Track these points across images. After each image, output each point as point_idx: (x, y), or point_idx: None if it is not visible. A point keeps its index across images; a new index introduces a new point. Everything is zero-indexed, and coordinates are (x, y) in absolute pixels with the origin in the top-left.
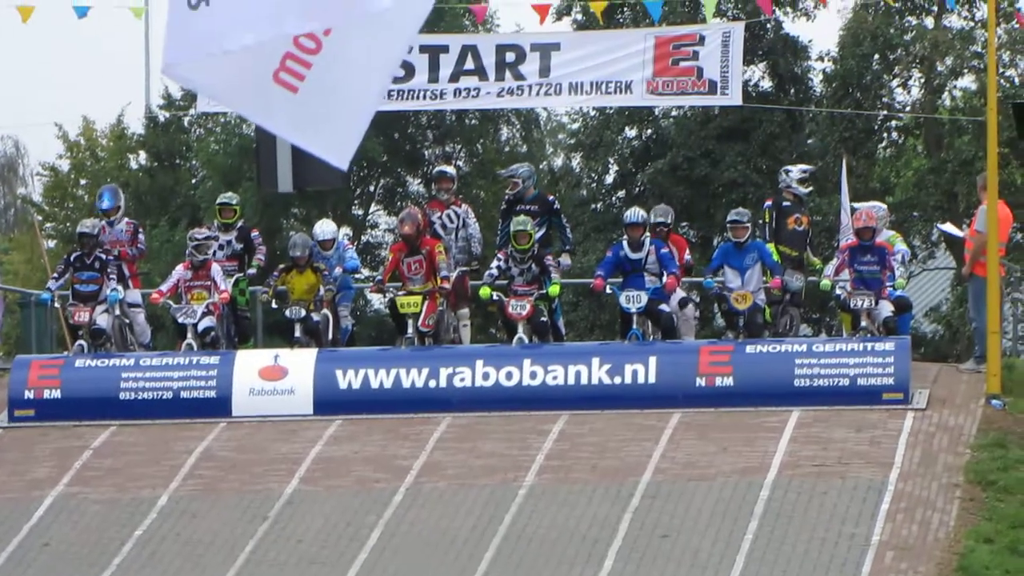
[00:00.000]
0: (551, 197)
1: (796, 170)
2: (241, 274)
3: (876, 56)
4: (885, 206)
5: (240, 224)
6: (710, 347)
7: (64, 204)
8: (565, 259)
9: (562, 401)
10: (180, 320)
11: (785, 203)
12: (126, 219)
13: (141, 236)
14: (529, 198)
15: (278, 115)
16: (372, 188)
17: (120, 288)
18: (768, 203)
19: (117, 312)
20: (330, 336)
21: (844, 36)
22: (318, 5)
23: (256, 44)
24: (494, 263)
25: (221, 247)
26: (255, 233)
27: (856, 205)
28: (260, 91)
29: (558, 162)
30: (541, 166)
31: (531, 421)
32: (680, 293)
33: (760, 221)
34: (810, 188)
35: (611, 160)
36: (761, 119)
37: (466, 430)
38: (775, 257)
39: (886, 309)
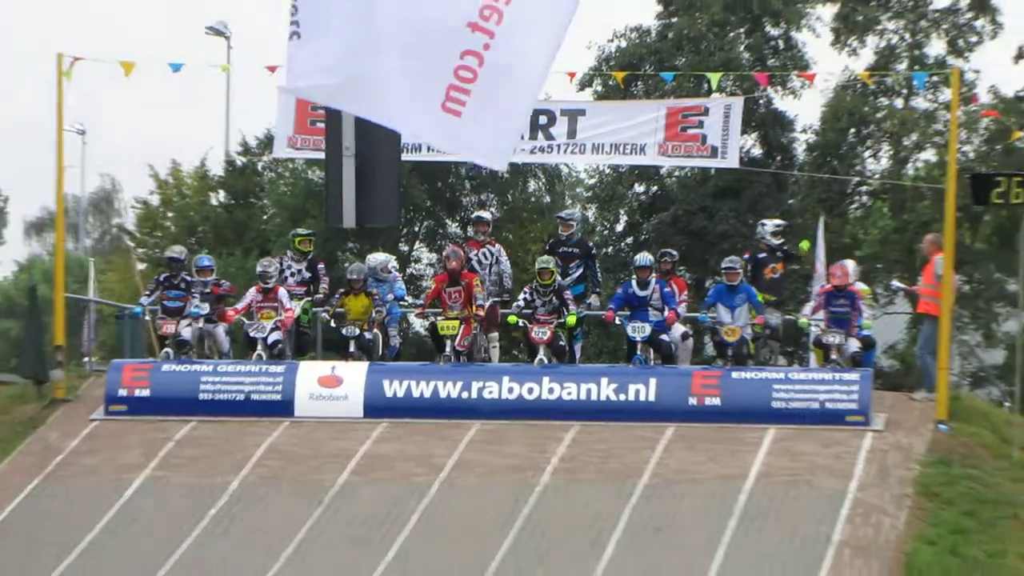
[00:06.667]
0: (590, 243)
1: (771, 224)
2: (308, 298)
3: (852, 130)
4: (854, 263)
5: (311, 256)
6: (702, 372)
7: (153, 233)
8: (594, 299)
9: (574, 413)
10: (251, 334)
11: (761, 255)
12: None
13: (226, 284)
14: (575, 240)
15: (444, 136)
16: (416, 228)
17: (204, 305)
18: (746, 256)
19: (200, 325)
20: (380, 352)
21: (825, 112)
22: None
23: (421, 74)
24: (521, 295)
25: (293, 274)
26: (321, 265)
27: (838, 261)
28: (425, 116)
29: (576, 212)
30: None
31: (548, 429)
32: (681, 328)
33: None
34: (782, 240)
35: (621, 211)
36: (751, 180)
37: (492, 435)
38: (760, 299)
39: (854, 345)
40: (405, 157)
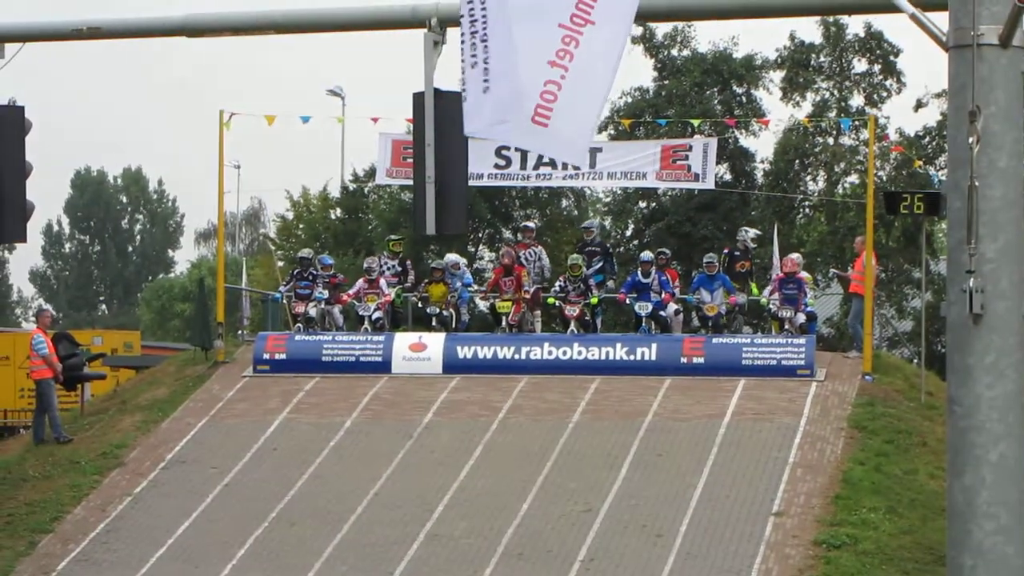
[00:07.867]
0: (607, 244)
1: (752, 232)
2: (400, 286)
3: (796, 161)
4: (800, 257)
5: (402, 255)
6: (690, 338)
7: (289, 239)
8: (611, 284)
9: (597, 369)
10: (360, 313)
11: (736, 252)
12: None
13: (341, 276)
14: (596, 242)
15: (532, 140)
16: (480, 234)
17: (325, 292)
18: (725, 251)
19: (322, 306)
20: (454, 325)
21: (777, 148)
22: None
23: (516, 99)
24: (557, 283)
25: (389, 268)
26: (408, 262)
27: (788, 256)
28: (521, 128)
29: (596, 221)
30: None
31: (577, 381)
32: (674, 306)
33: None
34: (756, 244)
35: (630, 221)
36: (724, 198)
37: (537, 386)
38: (732, 284)
39: (801, 318)
40: (471, 183)
